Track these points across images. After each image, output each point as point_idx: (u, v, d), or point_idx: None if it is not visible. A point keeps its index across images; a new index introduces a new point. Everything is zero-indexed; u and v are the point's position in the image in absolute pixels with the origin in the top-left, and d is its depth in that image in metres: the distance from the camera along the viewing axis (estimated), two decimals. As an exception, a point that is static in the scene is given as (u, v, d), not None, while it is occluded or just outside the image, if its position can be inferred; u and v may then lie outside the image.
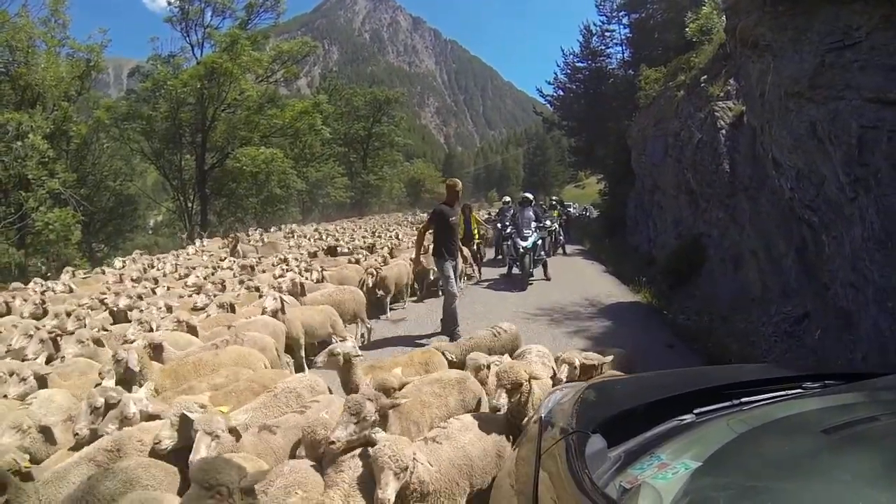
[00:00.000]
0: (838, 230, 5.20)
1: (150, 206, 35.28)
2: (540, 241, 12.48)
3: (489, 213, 28.72)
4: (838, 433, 1.17)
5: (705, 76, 10.95)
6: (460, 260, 8.41)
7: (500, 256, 16.05)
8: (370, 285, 8.97)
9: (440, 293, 9.85)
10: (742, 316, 7.97)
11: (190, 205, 28.53)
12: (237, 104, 27.74)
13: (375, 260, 10.78)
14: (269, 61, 29.25)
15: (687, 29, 14.17)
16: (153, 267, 12.27)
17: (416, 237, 9.85)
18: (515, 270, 12.62)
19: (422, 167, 73.69)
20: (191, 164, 28.54)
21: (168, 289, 8.84)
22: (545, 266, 12.87)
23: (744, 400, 1.57)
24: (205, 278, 9.40)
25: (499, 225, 16.25)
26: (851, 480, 1.02)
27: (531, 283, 12.04)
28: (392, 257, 11.43)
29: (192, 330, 5.58)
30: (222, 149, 28.10)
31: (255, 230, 21.10)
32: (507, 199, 18.53)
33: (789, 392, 1.63)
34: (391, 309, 9.74)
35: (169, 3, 28.34)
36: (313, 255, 12.90)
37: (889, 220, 4.35)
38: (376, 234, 19.02)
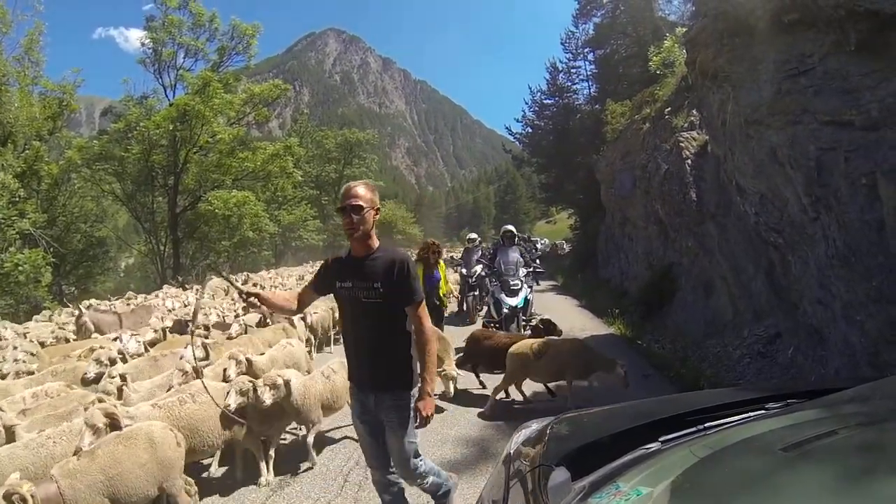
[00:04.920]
0: (803, 250, 5.27)
1: (121, 248, 34.77)
2: (531, 296, 9.26)
3: (451, 256, 25.73)
4: (797, 450, 1.16)
5: (669, 108, 11.18)
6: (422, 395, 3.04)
7: (465, 309, 12.51)
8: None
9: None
10: (716, 340, 7.99)
11: (162, 248, 28.27)
12: (209, 147, 27.69)
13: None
14: (241, 104, 29.38)
15: (650, 63, 14.52)
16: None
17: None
18: None
19: (393, 208, 73.50)
20: (163, 206, 28.34)
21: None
22: None
23: (707, 425, 1.54)
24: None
25: (463, 270, 12.72)
26: (809, 496, 1.01)
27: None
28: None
29: None
30: (194, 191, 27.96)
31: (116, 299, 17.18)
32: (474, 235, 14.57)
33: (752, 413, 1.61)
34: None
35: (142, 45, 28.64)
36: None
37: (850, 237, 4.43)
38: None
